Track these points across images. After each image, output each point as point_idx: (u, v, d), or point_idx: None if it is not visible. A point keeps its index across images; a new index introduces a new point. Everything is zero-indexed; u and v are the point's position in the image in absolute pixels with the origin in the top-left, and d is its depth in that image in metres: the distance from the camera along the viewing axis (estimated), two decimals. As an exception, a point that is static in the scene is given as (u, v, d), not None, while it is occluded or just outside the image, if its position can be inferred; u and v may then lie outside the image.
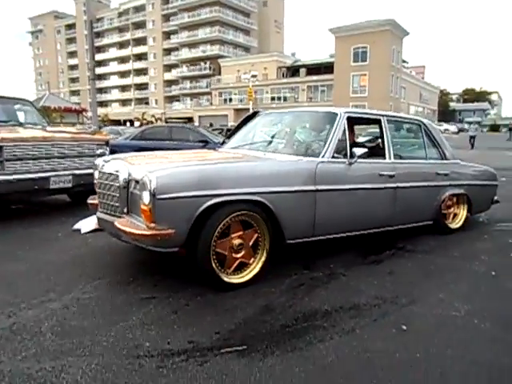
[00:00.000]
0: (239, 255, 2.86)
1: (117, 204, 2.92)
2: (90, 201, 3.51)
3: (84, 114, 28.95)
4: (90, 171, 4.99)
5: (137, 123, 45.65)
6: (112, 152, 6.78)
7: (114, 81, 69.18)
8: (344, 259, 3.50)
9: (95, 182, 3.31)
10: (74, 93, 71.96)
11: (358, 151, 3.37)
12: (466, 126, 61.23)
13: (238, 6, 57.31)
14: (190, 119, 52.11)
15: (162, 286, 2.86)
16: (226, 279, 2.80)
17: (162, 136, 9.41)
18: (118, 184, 2.88)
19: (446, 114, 64.96)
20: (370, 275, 3.15)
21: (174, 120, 49.32)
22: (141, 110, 57.03)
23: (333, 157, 3.35)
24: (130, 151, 8.90)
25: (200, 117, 52.04)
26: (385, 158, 3.84)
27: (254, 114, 4.62)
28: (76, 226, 4.40)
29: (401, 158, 4.05)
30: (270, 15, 60.07)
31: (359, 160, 3.41)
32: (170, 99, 62.09)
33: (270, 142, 4.03)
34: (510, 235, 4.37)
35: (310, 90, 47.22)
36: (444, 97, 72.33)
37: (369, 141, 4.70)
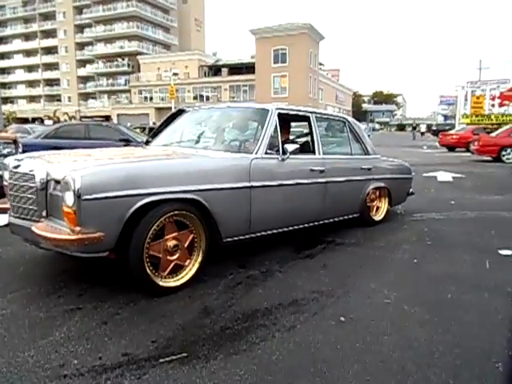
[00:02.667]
0: (174, 257, 2.72)
1: (33, 207, 2.62)
2: (0, 205, 3.04)
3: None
4: (-4, 173, 4.46)
5: (48, 121, 42.11)
6: (23, 152, 6.17)
7: (20, 75, 63.29)
8: (279, 255, 3.51)
9: (5, 183, 2.97)
10: (-29, 88, 64.67)
11: (290, 147, 3.39)
12: (377, 126, 66.04)
13: (156, 1, 55.69)
14: (108, 118, 49.44)
15: (88, 296, 2.61)
16: (160, 283, 2.64)
17: (79, 134, 8.76)
18: (34, 185, 2.59)
19: (359, 114, 69.35)
20: (305, 270, 3.19)
21: (89, 118, 46.49)
22: (52, 108, 53.03)
23: (266, 153, 3.32)
24: (42, 150, 8.28)
25: (119, 115, 49.66)
26: (315, 154, 3.90)
27: (180, 112, 4.41)
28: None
29: (329, 153, 4.11)
30: (190, 13, 59.23)
31: (291, 156, 3.42)
32: (86, 96, 58.46)
33: (202, 139, 3.91)
34: (425, 224, 4.74)
35: (232, 89, 47.44)
36: (357, 98, 77.22)
37: (298, 137, 4.81)
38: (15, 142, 5.16)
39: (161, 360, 1.92)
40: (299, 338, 2.14)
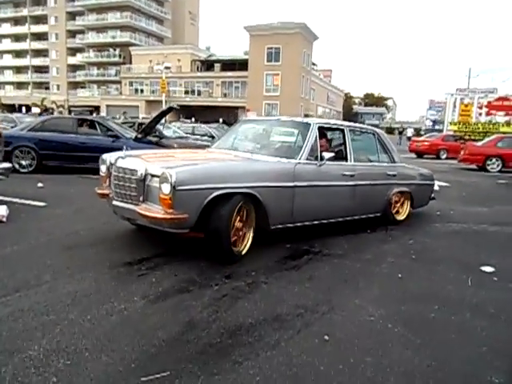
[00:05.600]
0: (240, 233, 3.59)
1: (133, 194, 3.45)
2: (98, 191, 3.97)
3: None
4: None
5: (35, 109, 41.48)
6: (4, 145, 6.02)
7: (8, 60, 61.92)
8: (265, 266, 3.50)
9: (101, 174, 3.98)
10: (-43, 71, 62.91)
11: (326, 155, 4.11)
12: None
13: (150, -8, 55.01)
14: (97, 108, 48.82)
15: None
16: (234, 250, 3.49)
17: (66, 128, 8.62)
18: (135, 177, 3.41)
19: (349, 115, 69.63)
20: (291, 282, 3.18)
21: (79, 108, 45.78)
22: (40, 96, 52.11)
23: (307, 159, 4.09)
24: (28, 143, 8.11)
25: (108, 106, 49.01)
26: (347, 161, 4.60)
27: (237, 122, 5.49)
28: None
29: (359, 160, 4.79)
30: (185, 6, 58.70)
31: (327, 162, 4.13)
32: (75, 85, 57.48)
33: (255, 146, 4.64)
34: (410, 235, 4.78)
35: (224, 85, 47.20)
36: (348, 100, 77.46)
37: (335, 146, 5.26)
38: None
39: (143, 379, 1.90)
40: (282, 358, 2.14)
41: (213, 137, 14.29)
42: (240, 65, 46.17)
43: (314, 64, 50.76)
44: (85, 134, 8.71)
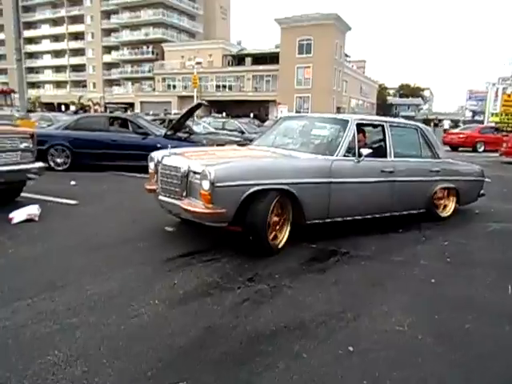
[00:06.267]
0: (277, 227, 3.74)
1: (177, 189, 3.69)
2: (147, 186, 4.27)
3: (13, 95, 26.46)
4: (12, 168, 4.54)
5: (73, 107, 42.94)
6: (40, 143, 6.19)
7: (47, 60, 64.25)
8: (289, 268, 3.40)
9: (150, 171, 4.27)
10: (1, 71, 65.93)
11: (365, 151, 4.13)
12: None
13: (182, -12, 55.45)
14: (132, 105, 49.98)
15: (91, 308, 2.57)
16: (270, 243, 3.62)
17: (99, 126, 8.81)
18: (179, 174, 3.65)
19: (384, 107, 67.80)
20: (316, 286, 3.07)
21: (114, 105, 47.01)
22: (77, 94, 53.85)
23: (344, 155, 4.12)
24: (62, 142, 8.35)
25: (142, 103, 50.10)
26: (386, 157, 4.56)
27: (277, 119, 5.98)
28: (10, 215, 4.40)
29: (400, 156, 4.71)
30: (216, 0, 58.81)
31: (366, 159, 4.16)
32: (110, 83, 58.98)
33: (293, 142, 4.78)
34: (445, 236, 4.54)
35: (255, 79, 47.05)
36: (382, 91, 75.37)
37: (374, 142, 5.21)
38: (33, 136, 5.16)
39: (158, 388, 1.86)
40: (303, 369, 2.05)
41: (243, 132, 14.25)
42: (271, 58, 45.83)
43: (346, 55, 49.70)
44: (116, 132, 8.88)
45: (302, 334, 2.38)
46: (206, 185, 3.30)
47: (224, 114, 35.48)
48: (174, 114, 25.35)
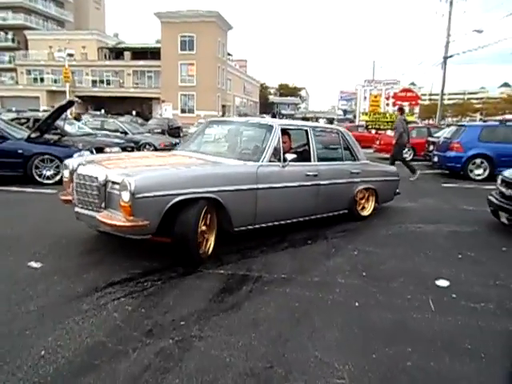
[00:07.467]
0: (205, 235, 3.61)
1: (95, 200, 3.41)
2: (62, 197, 3.95)
3: None
4: None
5: None
6: None
7: None
8: (197, 308, 2.77)
9: (65, 179, 3.93)
10: None
11: (289, 156, 4.16)
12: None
13: (47, -29, 49.58)
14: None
15: None
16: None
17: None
18: (96, 184, 3.37)
19: (266, 106, 70.20)
20: (232, 332, 2.50)
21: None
22: None
23: (270, 161, 4.10)
24: None
25: (2, 97, 43.52)
26: (310, 161, 4.62)
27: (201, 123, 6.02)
28: None
29: (323, 160, 4.83)
30: (88, -12, 54.00)
31: (290, 163, 4.19)
32: (-42, 73, 50.05)
33: (219, 148, 4.85)
34: (349, 242, 4.39)
35: (136, 75, 44.43)
36: (264, 90, 78.01)
37: (298, 147, 5.20)
38: None
39: None
40: None
41: (126, 133, 12.97)
42: (152, 53, 43.80)
43: (229, 54, 50.02)
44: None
45: (226, 418, 1.78)
46: (125, 196, 3.07)
47: (103, 111, 32.72)
48: (43, 110, 22.30)
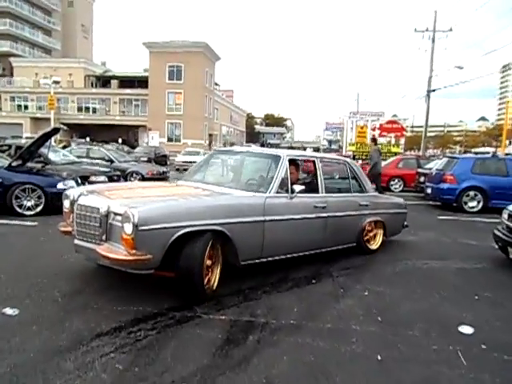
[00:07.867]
0: (210, 270, 3.41)
1: (96, 232, 3.23)
2: (62, 228, 3.78)
3: None
4: None
5: None
6: None
7: None
8: (199, 366, 2.39)
9: (65, 210, 3.74)
10: None
11: (297, 188, 4.01)
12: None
13: (36, 0, 50.00)
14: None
15: None
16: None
17: None
18: (98, 216, 3.20)
19: (252, 135, 70.89)
20: (243, 398, 2.13)
21: None
22: None
23: (277, 192, 3.96)
24: None
25: (-16, 123, 42.69)
26: (318, 193, 4.48)
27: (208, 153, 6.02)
28: None
29: (331, 191, 4.70)
30: (77, 18, 54.56)
31: (298, 195, 4.04)
32: None
33: (225, 178, 4.76)
34: (360, 283, 4.07)
35: (122, 103, 44.41)
36: (250, 120, 78.95)
37: (306, 177, 5.16)
38: None
39: None
40: None
41: (112, 161, 12.59)
42: (140, 82, 43.96)
43: (216, 84, 50.65)
44: None
45: None
46: (128, 228, 2.93)
47: (88, 138, 32.32)
48: (26, 138, 21.80)
